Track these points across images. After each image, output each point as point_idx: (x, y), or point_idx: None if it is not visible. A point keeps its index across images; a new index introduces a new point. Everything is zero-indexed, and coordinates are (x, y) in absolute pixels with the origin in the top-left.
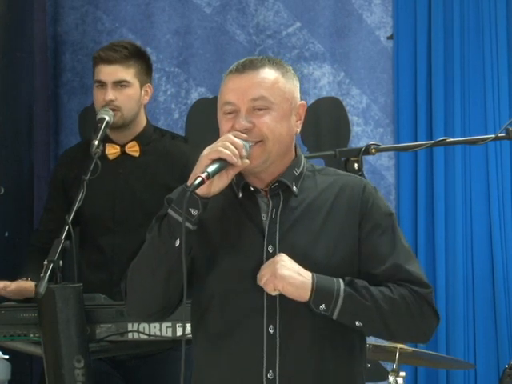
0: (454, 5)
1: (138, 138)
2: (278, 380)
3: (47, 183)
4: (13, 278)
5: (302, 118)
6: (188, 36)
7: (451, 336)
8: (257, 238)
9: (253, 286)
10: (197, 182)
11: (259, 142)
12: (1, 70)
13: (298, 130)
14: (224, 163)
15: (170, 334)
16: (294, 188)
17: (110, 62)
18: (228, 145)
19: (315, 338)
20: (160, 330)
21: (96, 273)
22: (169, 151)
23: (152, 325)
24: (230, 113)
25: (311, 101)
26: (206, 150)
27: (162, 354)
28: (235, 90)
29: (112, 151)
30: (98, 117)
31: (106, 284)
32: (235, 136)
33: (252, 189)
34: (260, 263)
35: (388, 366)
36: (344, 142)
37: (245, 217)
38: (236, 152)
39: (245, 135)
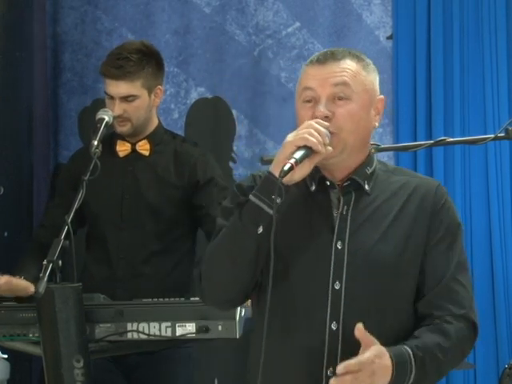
0: (453, 4)
1: (149, 137)
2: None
3: (47, 183)
4: None
5: (381, 112)
6: (187, 36)
7: None
8: (326, 233)
9: (318, 281)
10: (286, 168)
11: (335, 133)
12: (0, 69)
13: (377, 124)
14: (309, 151)
15: (169, 333)
16: (366, 187)
17: (114, 78)
18: (313, 132)
19: (380, 329)
20: (159, 329)
21: (101, 268)
22: (178, 152)
23: (151, 324)
24: (309, 101)
25: None
26: (291, 137)
27: (163, 351)
28: (316, 77)
29: (123, 148)
30: (98, 117)
31: (109, 280)
32: (317, 123)
33: (328, 183)
34: (328, 259)
35: None
36: None
37: (316, 211)
38: (321, 140)
39: (327, 123)
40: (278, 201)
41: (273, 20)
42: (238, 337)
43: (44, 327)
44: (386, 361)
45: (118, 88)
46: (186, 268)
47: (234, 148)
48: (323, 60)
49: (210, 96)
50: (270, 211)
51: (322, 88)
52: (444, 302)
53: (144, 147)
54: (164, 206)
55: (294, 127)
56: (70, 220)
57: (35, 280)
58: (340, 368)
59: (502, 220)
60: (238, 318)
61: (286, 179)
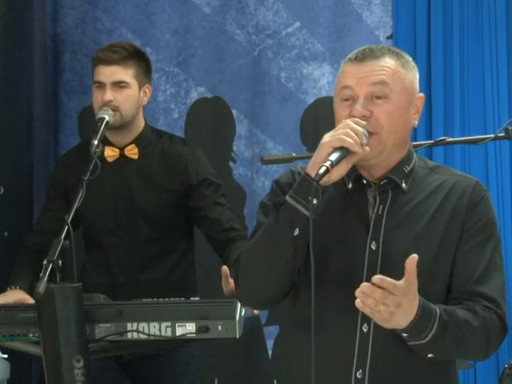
0: (453, 4)
1: (136, 141)
2: (367, 380)
3: (46, 183)
4: None
5: (420, 110)
6: (187, 36)
7: None
8: (361, 232)
9: (351, 283)
10: (322, 171)
11: (374, 133)
12: (0, 69)
13: (416, 122)
14: (345, 151)
15: (169, 333)
16: (404, 185)
17: (108, 62)
18: (350, 132)
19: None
20: (159, 329)
21: (101, 274)
22: (167, 153)
23: (151, 324)
24: (347, 99)
25: (311, 100)
26: (327, 138)
27: (167, 352)
28: (354, 75)
29: (111, 154)
30: (98, 116)
31: (110, 285)
32: (355, 123)
33: (364, 182)
34: (361, 260)
35: None
36: None
37: (353, 210)
38: (358, 140)
39: (364, 122)
40: (315, 202)
41: (273, 20)
42: (238, 337)
43: (44, 327)
44: (415, 303)
45: (110, 72)
46: (185, 267)
47: (234, 148)
48: (362, 58)
49: (209, 96)
50: (307, 213)
51: (360, 87)
52: (474, 296)
53: (132, 151)
54: (158, 211)
55: (294, 127)
56: (69, 220)
57: (32, 287)
58: (377, 278)
59: (502, 220)
60: (237, 318)
61: (324, 180)
